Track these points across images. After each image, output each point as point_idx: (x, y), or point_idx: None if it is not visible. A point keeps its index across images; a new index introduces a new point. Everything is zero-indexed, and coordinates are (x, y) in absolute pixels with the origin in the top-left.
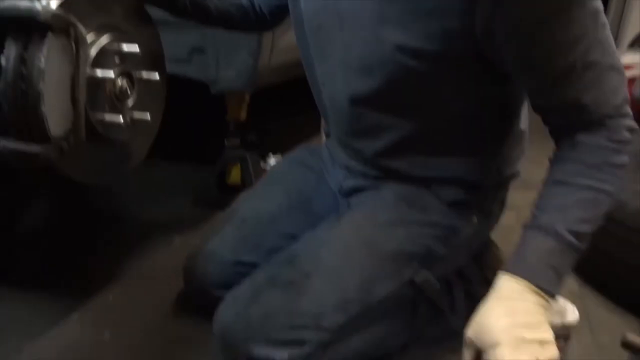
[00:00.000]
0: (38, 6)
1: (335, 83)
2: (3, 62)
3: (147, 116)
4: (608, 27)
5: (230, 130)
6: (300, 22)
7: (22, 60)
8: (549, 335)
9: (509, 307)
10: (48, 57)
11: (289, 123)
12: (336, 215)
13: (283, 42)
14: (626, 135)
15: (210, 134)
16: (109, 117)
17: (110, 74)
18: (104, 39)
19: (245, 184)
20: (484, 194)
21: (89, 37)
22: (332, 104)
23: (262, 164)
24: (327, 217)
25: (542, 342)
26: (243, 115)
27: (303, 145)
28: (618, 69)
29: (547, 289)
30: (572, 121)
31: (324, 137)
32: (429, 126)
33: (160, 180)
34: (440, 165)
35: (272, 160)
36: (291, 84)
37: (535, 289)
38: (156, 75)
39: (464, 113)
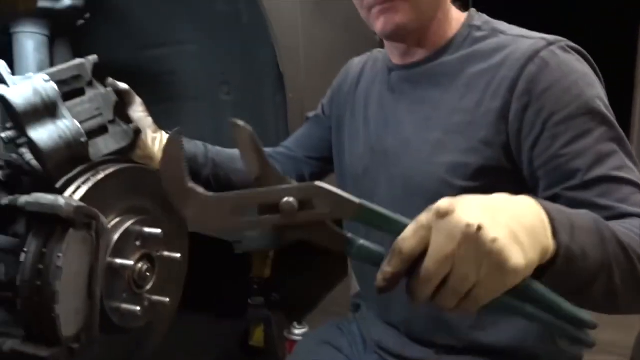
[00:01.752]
0: (61, 201)
1: None
2: (22, 258)
3: (167, 300)
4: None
5: (254, 288)
6: (344, 174)
7: (40, 256)
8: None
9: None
10: (67, 254)
11: (315, 279)
12: None
13: None
14: None
15: (233, 289)
16: (126, 306)
17: (130, 262)
18: (127, 224)
19: (268, 346)
20: None
21: (112, 222)
22: None
23: (286, 333)
24: None
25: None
26: (267, 272)
27: (332, 321)
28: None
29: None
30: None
31: (350, 315)
32: None
33: (182, 337)
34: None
35: (297, 331)
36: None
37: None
38: (178, 256)
39: None
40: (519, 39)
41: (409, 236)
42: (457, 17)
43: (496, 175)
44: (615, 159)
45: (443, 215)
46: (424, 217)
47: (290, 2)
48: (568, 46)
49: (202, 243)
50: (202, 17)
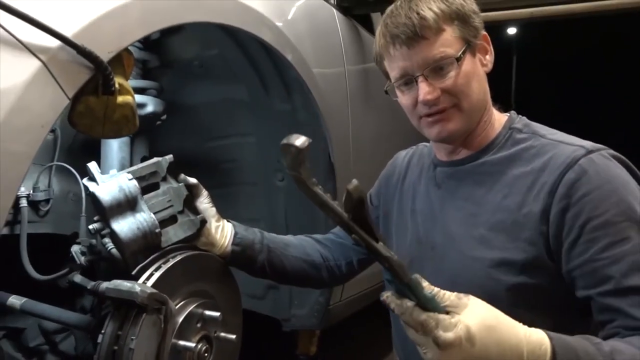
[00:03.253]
0: (137, 289)
1: None
2: (100, 340)
3: None
4: None
5: None
6: None
7: (116, 338)
8: None
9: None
10: (139, 336)
11: (361, 353)
12: None
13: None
14: None
15: None
16: None
17: (192, 344)
18: (190, 307)
19: None
20: None
21: (177, 305)
22: None
23: None
24: None
25: None
26: (313, 350)
27: None
28: None
29: None
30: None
31: None
32: None
33: None
34: None
35: None
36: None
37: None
38: (234, 337)
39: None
40: (559, 145)
41: (413, 316)
42: (498, 118)
43: (540, 273)
44: None
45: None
46: (429, 326)
47: (340, 97)
48: (609, 154)
49: (252, 322)
50: (262, 114)
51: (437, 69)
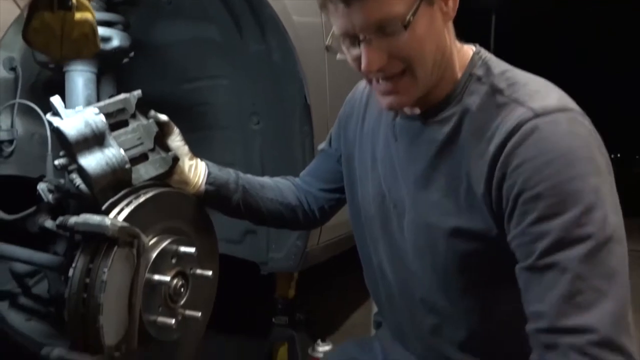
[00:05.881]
0: (107, 222)
1: (393, 267)
2: (70, 273)
3: (199, 315)
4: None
5: (278, 307)
6: (358, 211)
7: (87, 271)
8: None
9: None
10: (111, 269)
11: (338, 297)
12: None
13: (331, 222)
14: None
15: (258, 309)
16: (162, 319)
17: (167, 278)
18: (164, 243)
19: None
20: None
21: (150, 241)
22: (389, 289)
23: (310, 350)
24: None
25: None
26: (291, 293)
27: (354, 338)
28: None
29: None
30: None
31: (373, 331)
32: (494, 311)
33: (208, 356)
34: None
35: (321, 349)
36: (339, 258)
37: None
38: (210, 274)
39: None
40: (511, 105)
41: None
42: (461, 60)
43: (493, 242)
44: (577, 248)
45: None
46: None
47: (317, 39)
48: (565, 117)
49: (229, 264)
50: (235, 55)
51: (381, 29)
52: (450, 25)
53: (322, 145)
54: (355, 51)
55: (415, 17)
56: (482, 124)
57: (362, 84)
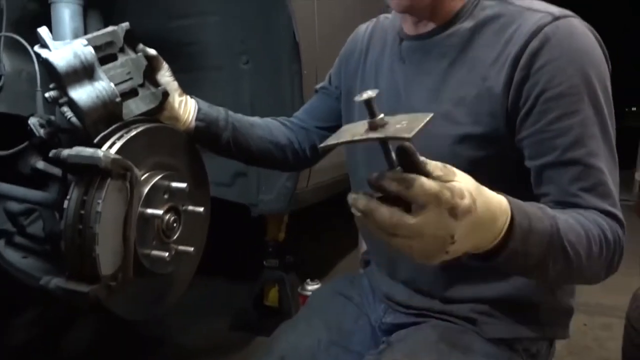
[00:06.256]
0: (99, 154)
1: None
2: (65, 205)
3: (191, 250)
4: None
5: (269, 250)
6: (354, 145)
7: (82, 203)
8: None
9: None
10: (105, 200)
11: (327, 241)
12: (375, 353)
13: (320, 164)
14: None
15: (249, 253)
16: (156, 253)
17: (160, 212)
18: (156, 178)
19: (282, 306)
20: (535, 331)
21: (143, 175)
22: None
23: (300, 289)
24: (366, 354)
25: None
26: (281, 236)
27: (343, 274)
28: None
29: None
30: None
31: (361, 270)
32: None
33: (199, 298)
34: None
35: (310, 287)
36: (328, 203)
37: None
38: (201, 210)
39: None
40: (526, 12)
41: (424, 188)
42: None
43: (496, 145)
44: (594, 143)
45: (453, 213)
46: (445, 196)
47: None
48: (576, 22)
49: (220, 207)
50: None
51: None
52: None
53: (319, 85)
54: None
55: None
56: (497, 30)
57: (364, 27)
